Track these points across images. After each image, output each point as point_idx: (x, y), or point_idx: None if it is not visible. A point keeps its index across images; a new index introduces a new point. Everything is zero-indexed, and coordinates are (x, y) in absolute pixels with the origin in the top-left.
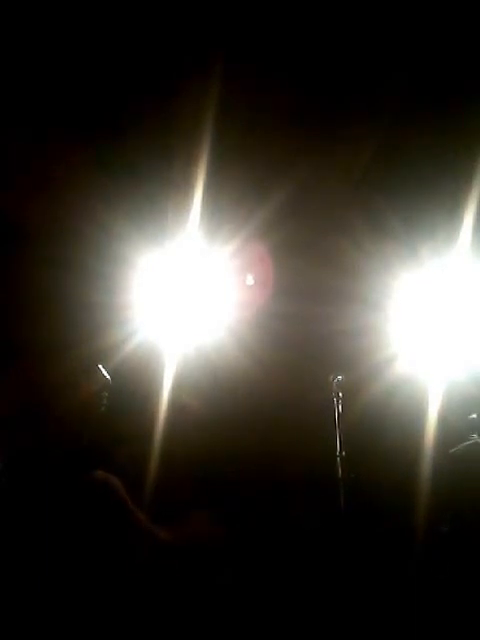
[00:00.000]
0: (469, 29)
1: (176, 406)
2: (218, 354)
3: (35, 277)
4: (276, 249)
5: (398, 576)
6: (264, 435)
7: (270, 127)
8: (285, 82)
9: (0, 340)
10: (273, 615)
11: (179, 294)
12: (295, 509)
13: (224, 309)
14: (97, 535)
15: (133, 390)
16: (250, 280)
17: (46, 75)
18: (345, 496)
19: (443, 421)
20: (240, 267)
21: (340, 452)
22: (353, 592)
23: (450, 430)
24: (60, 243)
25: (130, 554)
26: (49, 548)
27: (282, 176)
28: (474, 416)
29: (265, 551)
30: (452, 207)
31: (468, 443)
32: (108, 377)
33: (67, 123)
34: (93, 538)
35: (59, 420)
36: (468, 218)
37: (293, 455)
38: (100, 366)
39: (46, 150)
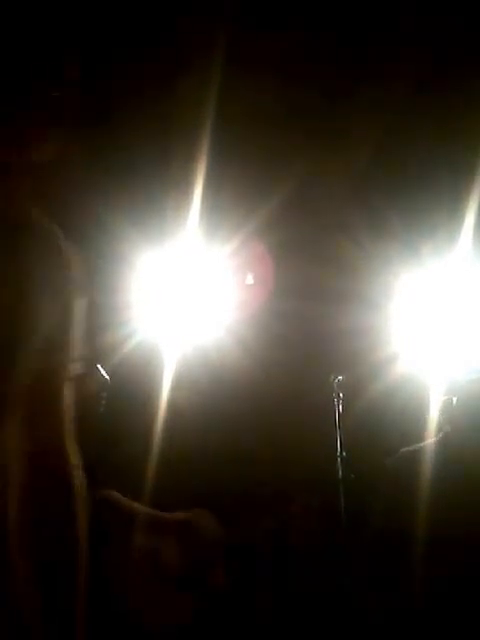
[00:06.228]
0: (471, 27)
1: (175, 406)
2: (218, 354)
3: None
4: (276, 248)
5: (397, 577)
6: (264, 435)
7: (270, 125)
8: (285, 80)
9: None
10: (273, 615)
11: (179, 294)
12: (295, 509)
13: (224, 309)
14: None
15: (132, 390)
16: (250, 279)
17: (44, 73)
18: (345, 496)
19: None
20: (240, 266)
21: (340, 452)
22: (352, 592)
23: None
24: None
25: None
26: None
27: (282, 175)
28: None
29: (265, 552)
30: (452, 207)
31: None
32: (107, 377)
33: (65, 122)
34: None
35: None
36: (468, 218)
37: (293, 455)
38: (98, 366)
39: (44, 149)
